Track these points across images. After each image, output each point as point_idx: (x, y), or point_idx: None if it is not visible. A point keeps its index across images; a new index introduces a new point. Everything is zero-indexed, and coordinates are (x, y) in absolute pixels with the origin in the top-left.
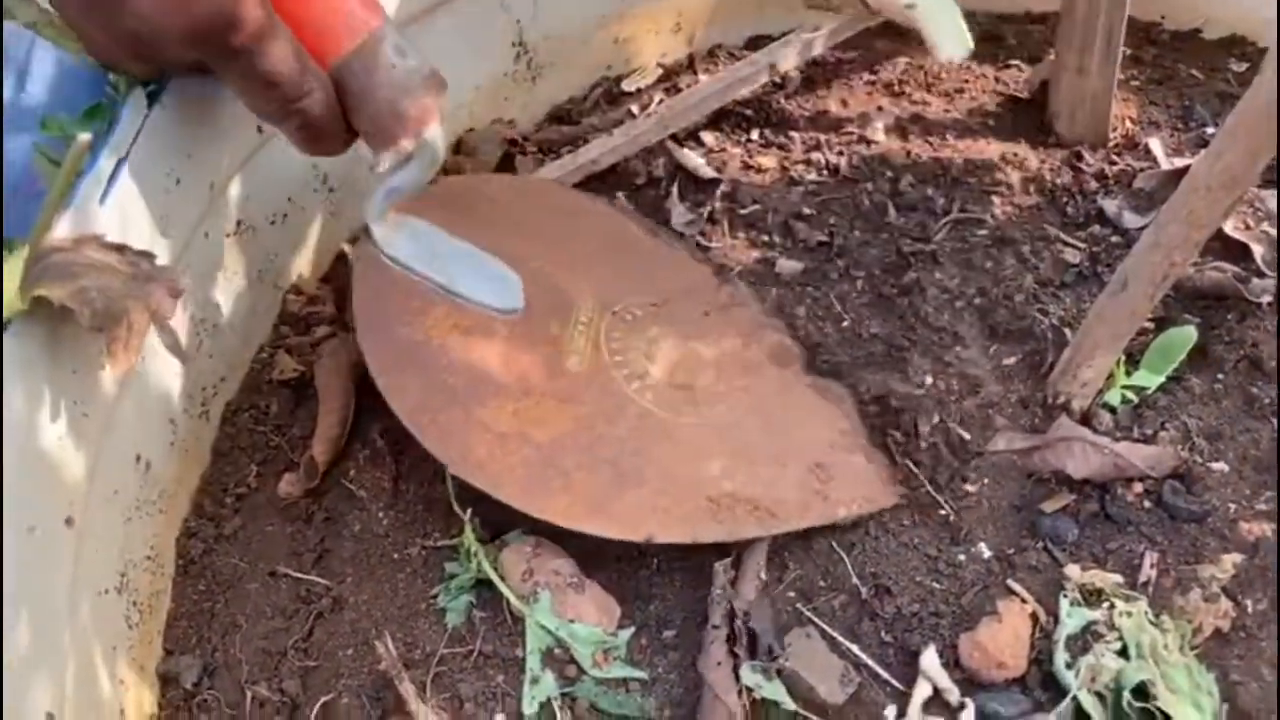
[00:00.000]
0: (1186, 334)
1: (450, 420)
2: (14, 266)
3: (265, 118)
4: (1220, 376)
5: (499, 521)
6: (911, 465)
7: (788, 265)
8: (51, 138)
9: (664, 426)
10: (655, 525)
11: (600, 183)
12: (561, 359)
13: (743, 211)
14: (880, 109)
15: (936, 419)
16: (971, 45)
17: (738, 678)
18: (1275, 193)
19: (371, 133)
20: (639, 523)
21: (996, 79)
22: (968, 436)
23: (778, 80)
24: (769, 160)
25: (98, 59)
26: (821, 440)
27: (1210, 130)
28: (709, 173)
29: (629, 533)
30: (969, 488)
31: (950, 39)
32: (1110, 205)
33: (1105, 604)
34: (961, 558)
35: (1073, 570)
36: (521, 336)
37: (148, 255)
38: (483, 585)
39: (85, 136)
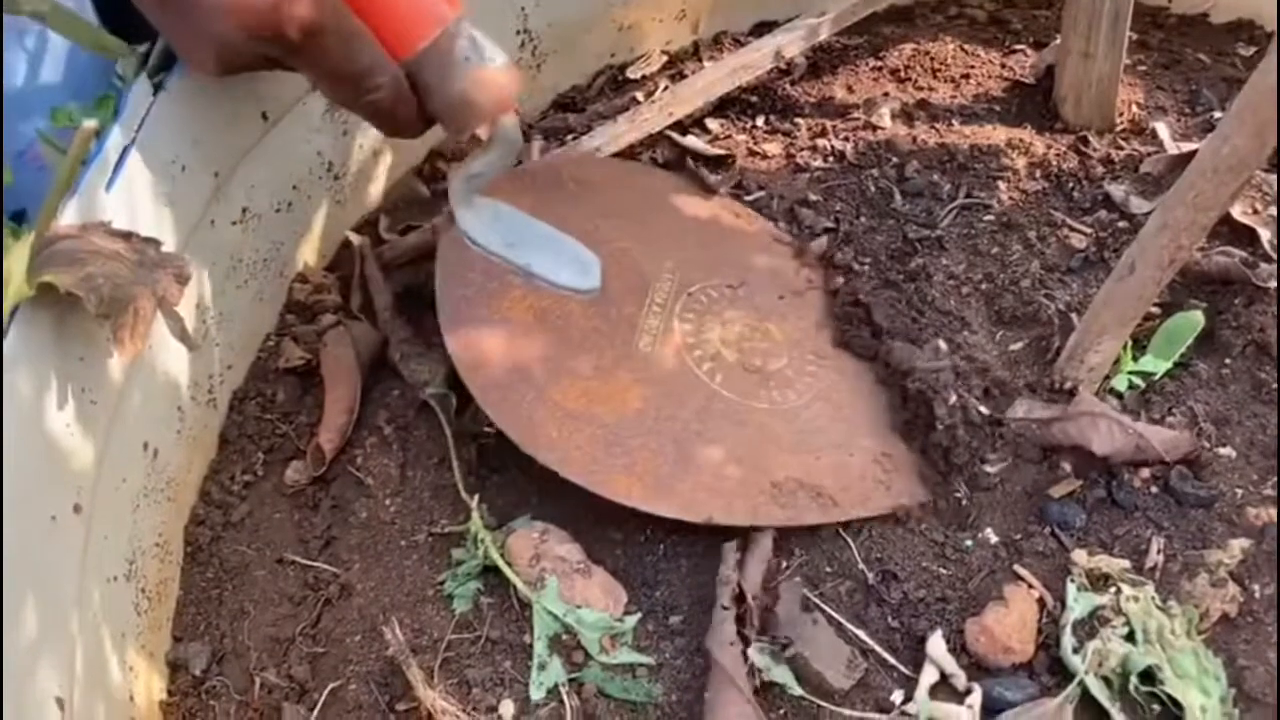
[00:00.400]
0: (1194, 319)
1: (522, 399)
2: (21, 252)
3: (338, 105)
4: (1228, 361)
5: (506, 508)
6: (928, 449)
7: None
8: (59, 129)
9: (732, 409)
10: (716, 508)
11: None
12: (634, 340)
13: (748, 198)
14: (886, 95)
15: (955, 398)
16: None
17: (746, 658)
18: (1277, 177)
19: (447, 122)
20: (700, 504)
21: (1002, 64)
22: (986, 411)
23: (783, 66)
24: (774, 147)
25: (181, 58)
26: (888, 429)
27: (1217, 115)
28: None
29: (688, 514)
30: (988, 469)
31: None
32: (1117, 190)
33: (1112, 589)
34: (968, 543)
35: (1080, 556)
36: (596, 317)
37: (154, 242)
38: (490, 571)
39: (91, 123)
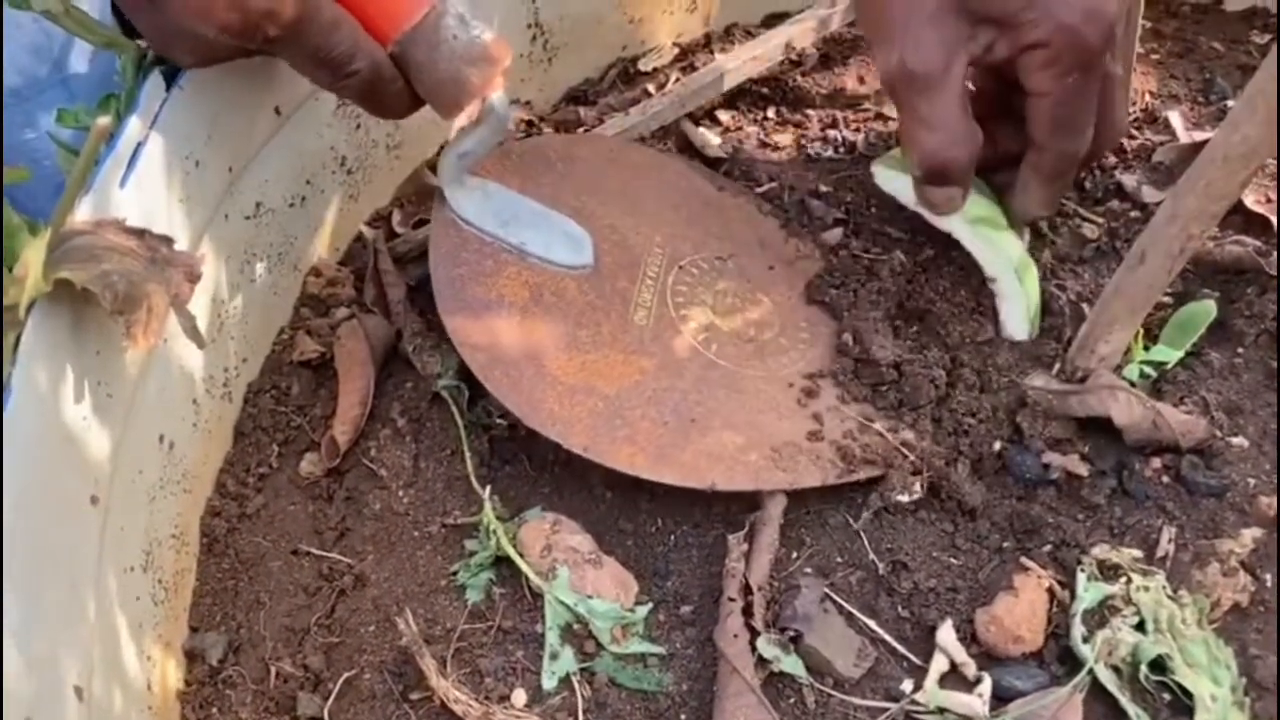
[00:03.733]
0: (1206, 308)
1: (521, 374)
2: (38, 249)
3: (321, 87)
4: (1240, 351)
5: (518, 499)
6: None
7: None
8: (67, 129)
9: (729, 378)
10: (719, 474)
11: None
12: (629, 313)
13: (759, 189)
14: None
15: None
16: (1035, 330)
17: (754, 650)
18: (1278, 167)
19: (437, 101)
20: (702, 471)
21: None
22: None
23: (794, 58)
24: (785, 138)
25: (157, 51)
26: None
27: (1231, 103)
28: (717, 151)
29: (693, 480)
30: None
31: (1015, 322)
32: (1129, 180)
33: (1123, 579)
34: (978, 533)
35: (1090, 545)
36: (591, 292)
37: (166, 240)
38: (502, 562)
39: (105, 120)
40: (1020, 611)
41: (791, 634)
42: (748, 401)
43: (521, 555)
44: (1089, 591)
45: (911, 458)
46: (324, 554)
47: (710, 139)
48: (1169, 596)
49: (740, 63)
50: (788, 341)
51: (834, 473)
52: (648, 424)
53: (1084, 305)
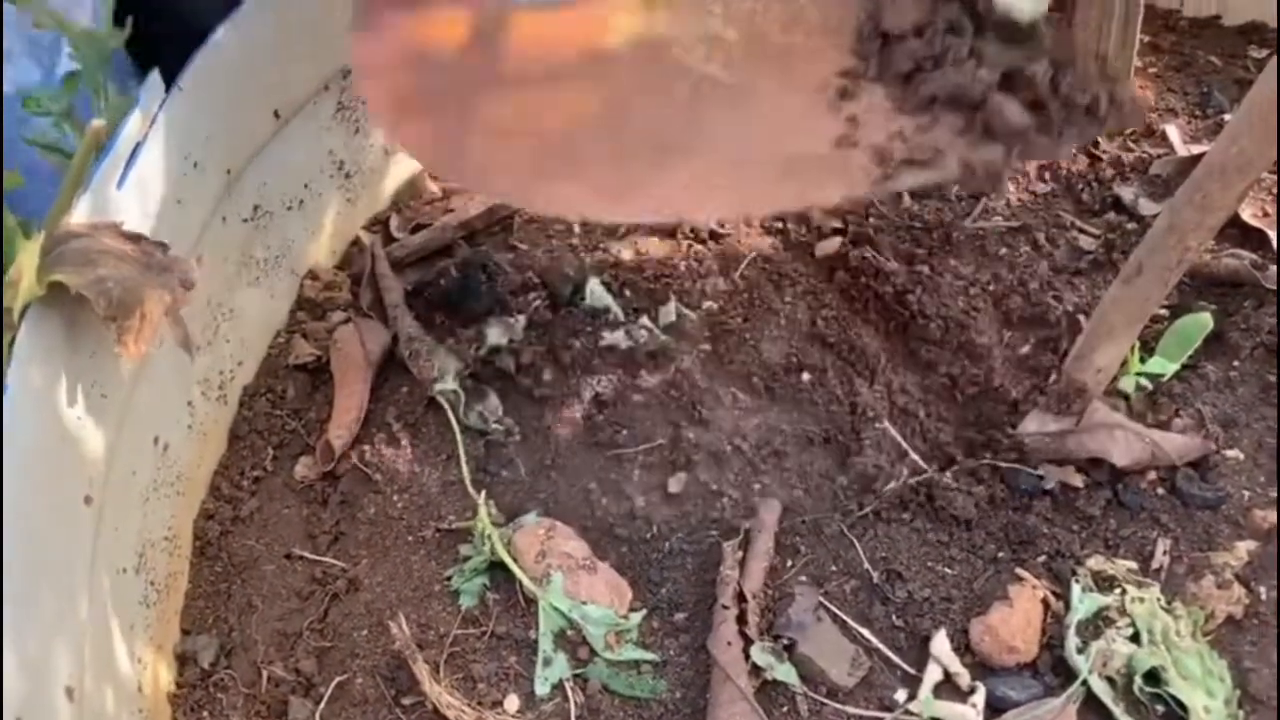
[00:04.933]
0: (1202, 320)
1: (440, 121)
2: (31, 252)
3: None
4: (1236, 363)
5: (513, 504)
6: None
7: None
8: (33, 114)
9: (733, 94)
10: (689, 203)
11: None
12: (599, 38)
13: None
14: None
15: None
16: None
17: (747, 658)
18: (1278, 180)
19: None
20: (677, 204)
21: None
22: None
23: None
24: None
25: None
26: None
27: (1228, 117)
28: None
29: (651, 215)
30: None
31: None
32: (1126, 192)
33: (1117, 590)
34: (973, 543)
35: (1085, 556)
36: (548, 23)
37: (162, 246)
38: (496, 567)
39: (99, 122)
40: (1015, 622)
41: (785, 642)
42: (754, 117)
43: (516, 561)
44: (1084, 602)
45: (963, 154)
46: (317, 558)
47: None
48: (1163, 608)
49: None
50: (824, 40)
51: (865, 180)
52: (606, 159)
53: (1080, 317)
